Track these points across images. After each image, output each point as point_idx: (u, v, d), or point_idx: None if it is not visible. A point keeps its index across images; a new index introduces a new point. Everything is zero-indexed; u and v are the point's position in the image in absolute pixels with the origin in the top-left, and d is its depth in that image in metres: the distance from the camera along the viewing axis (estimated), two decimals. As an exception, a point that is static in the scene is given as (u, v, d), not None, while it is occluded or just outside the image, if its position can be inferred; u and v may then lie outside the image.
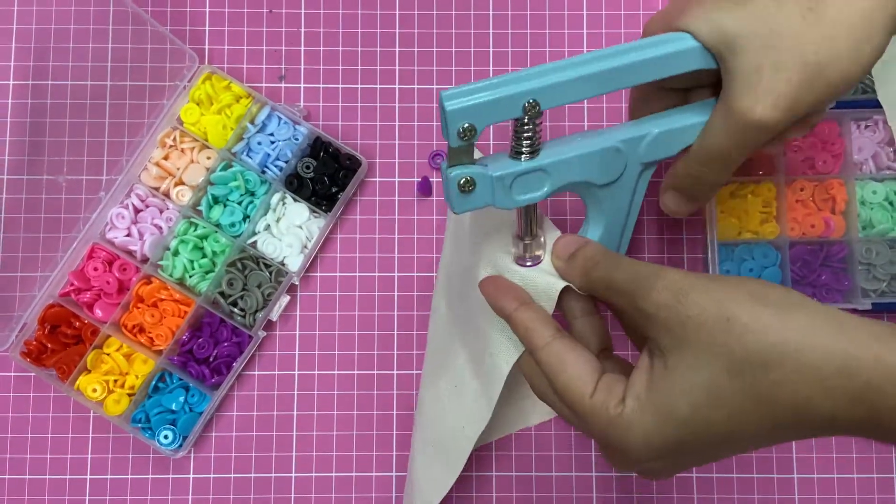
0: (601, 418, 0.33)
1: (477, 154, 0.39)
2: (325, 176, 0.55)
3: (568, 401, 0.35)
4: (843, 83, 0.36)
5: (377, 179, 0.57)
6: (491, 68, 0.58)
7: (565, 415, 0.37)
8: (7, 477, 0.54)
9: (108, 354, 0.54)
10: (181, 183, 0.55)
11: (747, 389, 0.30)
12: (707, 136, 0.39)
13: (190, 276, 0.54)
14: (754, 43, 0.35)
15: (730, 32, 0.36)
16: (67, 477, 0.55)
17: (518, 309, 0.37)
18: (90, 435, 0.55)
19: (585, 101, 0.57)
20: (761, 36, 0.35)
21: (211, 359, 0.54)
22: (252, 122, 0.55)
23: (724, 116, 0.37)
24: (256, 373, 0.56)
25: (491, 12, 0.58)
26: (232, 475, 0.55)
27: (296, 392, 0.55)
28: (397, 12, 0.58)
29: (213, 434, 0.55)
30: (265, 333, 0.55)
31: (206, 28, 0.58)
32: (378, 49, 0.58)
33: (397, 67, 0.58)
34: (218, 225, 0.55)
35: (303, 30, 0.58)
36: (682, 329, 0.31)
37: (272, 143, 0.55)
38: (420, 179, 0.57)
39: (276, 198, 0.55)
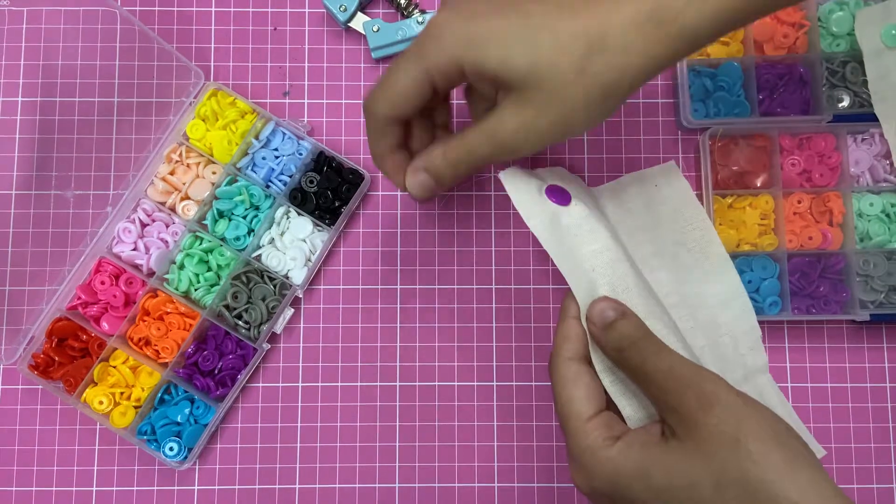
0: (587, 442, 0.36)
1: None
2: (328, 190, 0.56)
3: (565, 414, 0.38)
4: (572, 136, 0.44)
5: (380, 193, 0.58)
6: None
7: (561, 424, 0.40)
8: (14, 489, 0.55)
9: (114, 367, 0.54)
10: (187, 197, 0.56)
11: None
12: (465, 146, 0.41)
13: (195, 290, 0.55)
14: (538, 82, 0.37)
15: (521, 70, 0.37)
16: (74, 489, 0.55)
17: (568, 319, 0.41)
18: (96, 447, 0.56)
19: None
20: (544, 80, 0.36)
21: (216, 371, 0.54)
22: (257, 138, 0.56)
23: (489, 138, 0.40)
24: (261, 385, 0.56)
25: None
26: (236, 487, 0.55)
27: (300, 404, 0.56)
28: (399, 29, 0.59)
29: (218, 446, 0.56)
30: (269, 346, 0.56)
31: (212, 45, 0.59)
32: (381, 66, 0.59)
33: (399, 83, 0.59)
34: (223, 239, 0.55)
35: (307, 46, 0.59)
36: (694, 429, 0.34)
37: (276, 157, 0.56)
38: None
39: (280, 212, 0.56)
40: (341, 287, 0.57)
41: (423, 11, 0.58)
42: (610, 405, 0.40)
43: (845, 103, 0.56)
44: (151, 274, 0.55)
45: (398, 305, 0.57)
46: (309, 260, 0.56)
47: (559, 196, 0.44)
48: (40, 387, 0.55)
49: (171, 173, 0.56)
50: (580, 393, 0.38)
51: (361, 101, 0.58)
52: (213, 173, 0.56)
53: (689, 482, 0.33)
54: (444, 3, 0.39)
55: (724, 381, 0.35)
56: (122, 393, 0.54)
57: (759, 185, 0.55)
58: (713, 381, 0.35)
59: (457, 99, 0.49)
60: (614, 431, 0.37)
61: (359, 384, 0.56)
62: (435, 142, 0.44)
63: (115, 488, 0.55)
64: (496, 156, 0.40)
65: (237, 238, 0.55)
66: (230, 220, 0.56)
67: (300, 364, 0.56)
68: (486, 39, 0.36)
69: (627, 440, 0.36)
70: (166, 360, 0.54)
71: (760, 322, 0.56)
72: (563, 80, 0.36)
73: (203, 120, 0.56)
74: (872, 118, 0.55)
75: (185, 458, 0.54)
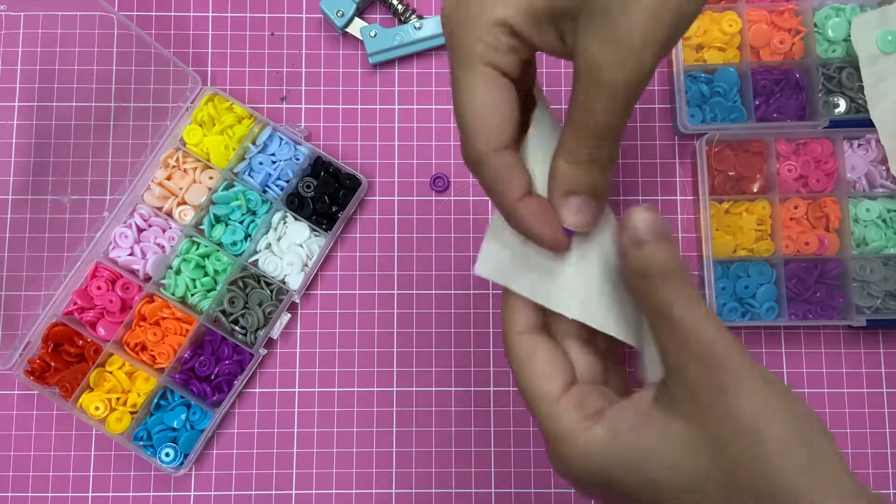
0: (559, 426, 0.31)
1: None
2: (325, 195, 0.56)
3: (529, 397, 0.32)
4: (685, 26, 0.29)
5: (377, 198, 0.58)
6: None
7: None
8: (10, 495, 0.55)
9: (110, 373, 0.54)
10: (184, 202, 0.56)
11: None
12: (584, 115, 0.30)
13: (192, 295, 0.55)
14: None
15: None
16: (70, 495, 0.55)
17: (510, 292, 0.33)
18: (92, 453, 0.56)
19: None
20: None
21: (212, 376, 0.54)
22: (254, 143, 0.56)
23: (592, 83, 0.29)
24: (257, 390, 0.56)
25: None
26: (233, 492, 0.55)
27: (296, 409, 0.56)
28: (396, 34, 0.59)
29: (214, 451, 0.55)
30: (266, 351, 0.55)
31: (209, 50, 0.59)
32: (378, 71, 0.59)
33: (396, 88, 0.59)
34: (220, 244, 0.55)
35: (304, 51, 0.59)
36: (705, 410, 0.28)
37: (273, 163, 0.56)
38: (434, 176, 0.58)
39: (277, 217, 0.56)
40: (338, 292, 0.57)
41: (420, 17, 0.58)
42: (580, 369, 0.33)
43: (841, 109, 0.56)
44: (148, 279, 0.55)
45: (395, 310, 0.57)
46: (306, 265, 0.56)
47: None
48: (36, 392, 0.55)
49: (168, 178, 0.56)
50: (540, 370, 0.32)
51: (359, 106, 0.58)
52: (210, 178, 0.56)
53: (694, 476, 0.28)
54: None
55: (748, 359, 0.28)
56: (118, 398, 0.54)
57: (755, 190, 0.56)
58: (739, 358, 0.28)
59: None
60: (590, 408, 0.31)
61: (355, 389, 0.56)
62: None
63: (111, 494, 0.55)
64: (613, 107, 0.29)
65: (234, 243, 0.55)
66: (227, 225, 0.56)
67: (297, 369, 0.56)
68: None
69: (611, 424, 0.30)
70: (162, 366, 0.54)
71: (757, 327, 0.56)
72: None
73: (200, 125, 0.56)
74: (868, 124, 0.55)
75: (182, 463, 0.54)
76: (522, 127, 0.33)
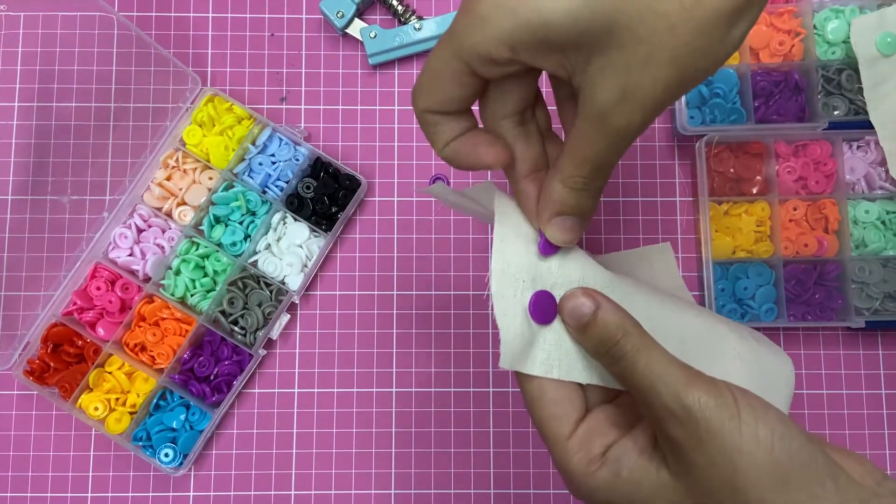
0: (570, 466, 0.33)
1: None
2: (325, 196, 0.56)
3: (543, 435, 0.34)
4: (692, 86, 0.30)
5: (376, 199, 0.58)
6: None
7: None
8: (9, 495, 0.55)
9: (109, 373, 0.54)
10: (183, 203, 0.56)
11: None
12: (584, 147, 0.31)
13: (191, 296, 0.55)
14: (627, 34, 0.27)
15: (598, 17, 0.27)
16: (69, 495, 0.55)
17: None
18: (91, 453, 0.56)
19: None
20: (635, 26, 0.27)
21: (212, 377, 0.54)
22: (253, 143, 0.56)
23: (598, 125, 0.30)
24: (256, 391, 0.56)
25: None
26: (232, 493, 0.55)
27: (295, 410, 0.56)
28: (396, 35, 0.59)
29: (214, 452, 0.55)
30: (265, 352, 0.55)
31: (209, 51, 0.59)
32: (378, 72, 0.59)
33: (396, 89, 0.59)
34: (219, 244, 0.55)
35: (304, 52, 0.59)
36: (687, 469, 0.30)
37: (273, 163, 0.56)
38: (434, 177, 0.58)
39: (276, 217, 0.56)
40: (338, 293, 0.57)
41: (420, 18, 0.58)
42: (585, 394, 0.35)
43: (841, 111, 0.56)
44: (147, 279, 0.55)
45: (394, 311, 0.57)
46: (305, 266, 0.56)
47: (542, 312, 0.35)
48: (35, 392, 0.55)
49: (168, 179, 0.56)
50: (550, 411, 0.34)
51: (358, 107, 0.59)
52: (210, 179, 0.56)
53: None
54: None
55: (709, 391, 0.30)
56: (117, 399, 0.54)
57: (754, 192, 0.56)
58: (696, 395, 0.30)
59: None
60: (596, 449, 0.33)
61: (355, 390, 0.56)
62: (548, 173, 0.34)
63: (110, 494, 0.55)
64: (615, 147, 0.31)
65: (233, 244, 0.55)
66: (227, 225, 0.56)
67: (296, 370, 0.56)
68: None
69: (613, 467, 0.32)
70: (162, 366, 0.54)
71: (755, 329, 0.56)
72: (662, 9, 0.27)
73: (200, 125, 0.56)
74: (868, 125, 0.55)
75: (181, 464, 0.54)
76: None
